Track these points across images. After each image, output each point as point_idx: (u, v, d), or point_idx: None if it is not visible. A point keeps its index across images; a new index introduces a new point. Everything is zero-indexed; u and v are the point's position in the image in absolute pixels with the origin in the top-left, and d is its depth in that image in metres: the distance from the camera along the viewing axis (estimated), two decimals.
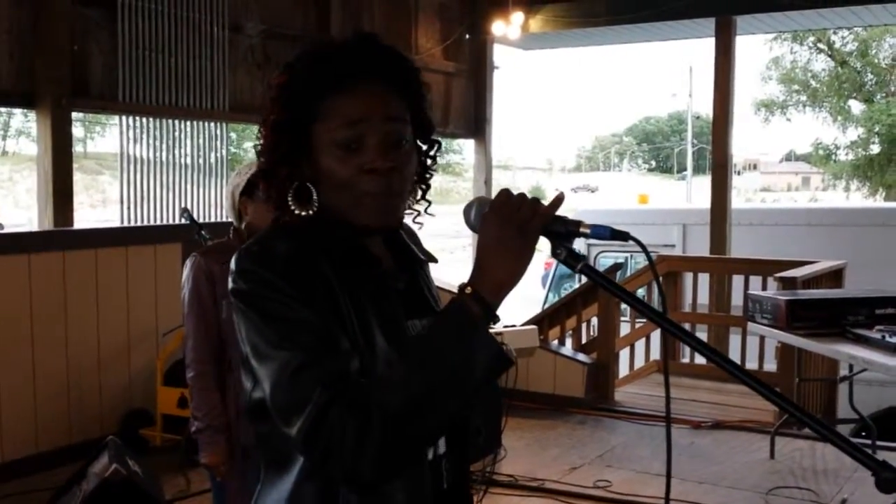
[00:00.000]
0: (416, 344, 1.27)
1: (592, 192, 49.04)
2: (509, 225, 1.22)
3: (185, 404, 5.43)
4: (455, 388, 1.21)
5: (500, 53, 9.49)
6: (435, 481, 1.37)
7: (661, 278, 7.24)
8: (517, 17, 8.47)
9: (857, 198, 27.02)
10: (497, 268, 1.23)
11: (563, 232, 1.28)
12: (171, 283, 5.93)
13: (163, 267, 5.89)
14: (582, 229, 1.28)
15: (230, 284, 1.31)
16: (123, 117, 6.07)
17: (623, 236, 1.27)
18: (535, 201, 1.26)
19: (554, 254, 1.29)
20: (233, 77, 6.68)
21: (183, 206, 5.51)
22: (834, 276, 6.50)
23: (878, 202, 22.95)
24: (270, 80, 1.38)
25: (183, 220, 4.74)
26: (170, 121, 6.32)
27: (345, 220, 1.35)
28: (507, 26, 8.51)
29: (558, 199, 1.28)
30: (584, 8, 8.54)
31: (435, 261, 1.54)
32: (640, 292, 7.91)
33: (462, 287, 1.24)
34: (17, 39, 5.41)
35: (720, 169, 8.18)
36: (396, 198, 1.36)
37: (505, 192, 1.28)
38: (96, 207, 31.20)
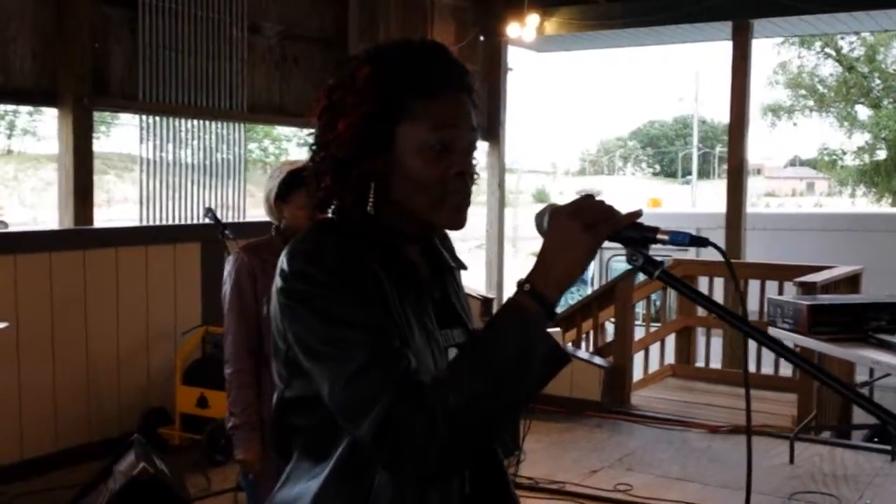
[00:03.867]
0: (474, 341, 1.28)
1: (597, 196, 48.72)
2: (576, 223, 1.24)
3: (204, 404, 5.45)
4: (514, 383, 1.21)
5: (513, 55, 9.50)
6: (458, 487, 1.39)
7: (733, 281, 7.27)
8: (532, 19, 8.47)
9: (862, 203, 26.98)
10: (557, 265, 1.24)
11: (639, 238, 1.28)
12: (190, 282, 5.95)
13: (182, 266, 5.90)
14: (659, 235, 1.28)
15: (279, 283, 1.31)
16: (143, 117, 6.08)
17: (702, 242, 1.27)
18: (611, 208, 1.27)
19: (630, 260, 1.29)
20: (251, 77, 6.69)
21: (207, 205, 5.52)
22: (851, 282, 6.50)
23: (891, 208, 22.91)
24: (348, 70, 1.37)
25: (207, 220, 4.75)
26: (188, 120, 6.33)
27: (415, 218, 1.36)
28: (521, 28, 8.51)
29: (636, 213, 1.28)
30: (601, 10, 8.54)
31: (465, 268, 1.55)
32: (654, 297, 7.92)
33: (521, 283, 1.26)
34: (40, 38, 5.42)
35: (735, 173, 8.19)
36: (469, 202, 1.39)
37: (586, 196, 1.29)
38: (101, 207, 31.22)
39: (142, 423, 5.52)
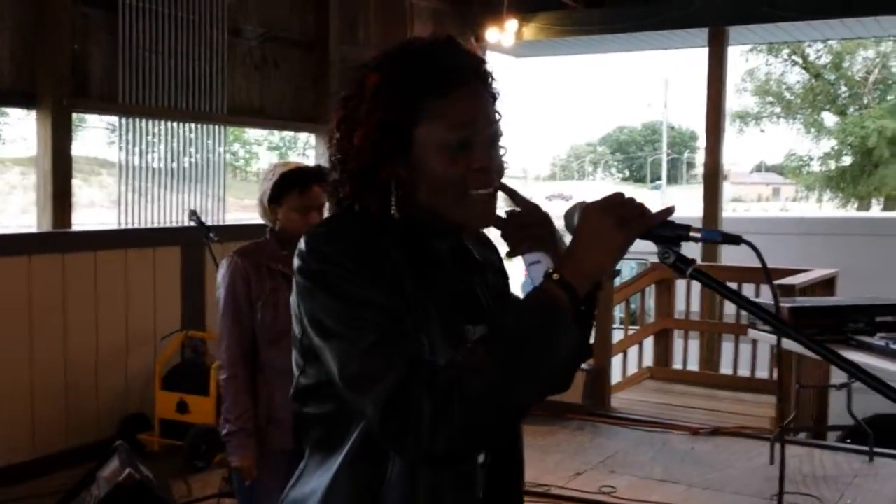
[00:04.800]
0: (498, 328, 1.26)
1: (567, 200, 49.24)
2: (610, 218, 1.24)
3: (184, 409, 5.40)
4: (535, 373, 1.21)
5: (490, 61, 9.50)
6: (473, 488, 1.37)
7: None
8: (511, 24, 8.49)
9: (828, 208, 27.38)
10: (588, 256, 1.24)
11: (671, 236, 1.29)
12: (169, 286, 5.90)
13: (162, 270, 5.85)
14: (692, 234, 1.28)
15: (297, 263, 1.31)
16: (123, 119, 6.01)
17: (735, 240, 1.28)
18: (643, 205, 1.27)
19: (662, 258, 1.29)
20: (231, 80, 6.65)
21: (191, 208, 5.47)
22: (827, 285, 6.60)
23: (872, 212, 23.24)
24: (358, 79, 1.36)
25: (191, 223, 4.72)
26: (168, 122, 6.27)
27: (441, 219, 1.35)
28: (500, 33, 8.54)
29: (668, 210, 1.29)
30: (579, 16, 8.59)
31: (500, 271, 1.54)
32: (632, 300, 7.97)
33: (549, 273, 1.25)
34: (19, 39, 5.34)
35: (711, 178, 8.27)
36: (496, 197, 1.39)
37: (617, 193, 1.29)
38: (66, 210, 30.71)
39: (120, 428, 5.45)
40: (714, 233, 1.29)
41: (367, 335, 1.22)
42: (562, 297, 1.22)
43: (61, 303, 5.28)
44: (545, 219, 1.46)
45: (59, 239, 5.42)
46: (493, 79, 1.39)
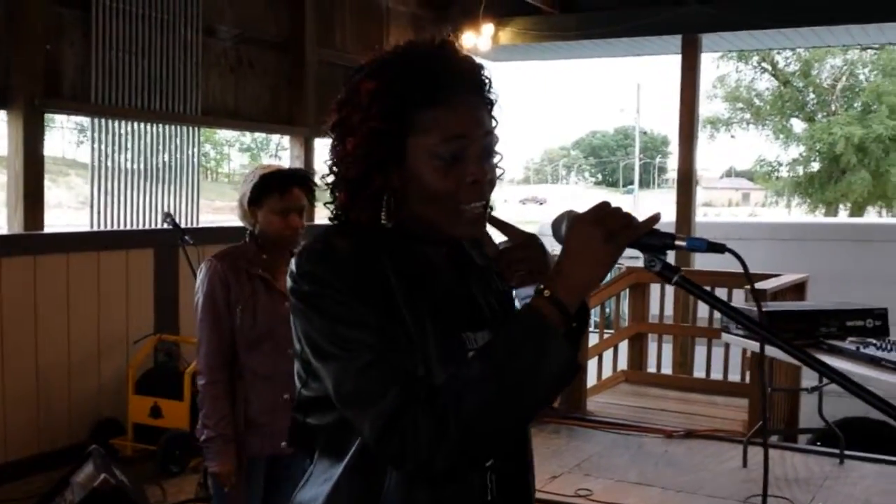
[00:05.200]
0: (490, 346, 1.26)
1: (541, 203, 49.45)
2: (598, 230, 1.24)
3: (157, 413, 5.36)
4: (527, 390, 1.21)
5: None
6: (479, 492, 1.37)
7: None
8: (488, 28, 8.53)
9: (797, 214, 27.70)
10: (577, 272, 1.24)
11: (658, 245, 1.30)
12: (142, 289, 5.84)
13: (135, 273, 5.80)
14: (677, 242, 1.30)
15: (289, 283, 1.32)
16: (96, 120, 5.95)
17: (720, 248, 1.29)
18: (629, 215, 1.28)
19: (648, 266, 1.30)
20: (205, 81, 6.61)
21: (166, 210, 5.42)
22: (798, 289, 6.66)
23: (841, 218, 23.52)
24: (353, 84, 1.35)
25: (166, 225, 4.69)
26: (141, 123, 6.22)
27: (433, 229, 1.35)
28: (477, 37, 8.56)
29: (654, 218, 1.30)
30: (555, 22, 8.64)
31: (496, 268, 1.52)
32: (607, 304, 8.01)
33: (539, 290, 1.25)
34: None
35: (685, 182, 8.35)
36: (487, 208, 1.39)
37: (604, 203, 1.29)
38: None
39: (93, 433, 5.40)
40: (700, 241, 1.30)
41: (362, 356, 1.23)
42: (552, 313, 1.22)
43: (32, 305, 5.22)
44: (539, 250, 1.47)
45: (30, 241, 5.36)
46: (489, 85, 1.38)
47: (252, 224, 2.89)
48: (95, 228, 5.94)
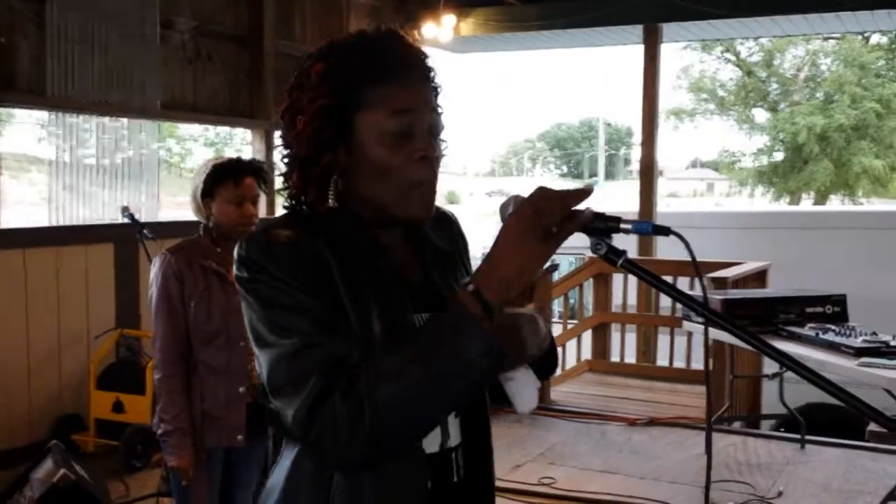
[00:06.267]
0: (412, 338, 1.26)
1: (506, 196, 49.31)
2: (531, 227, 1.21)
3: (119, 408, 5.30)
4: (446, 384, 1.21)
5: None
6: (442, 473, 1.37)
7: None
8: (448, 19, 8.51)
9: (763, 203, 28.00)
10: (505, 266, 1.22)
11: (602, 228, 1.30)
12: (103, 284, 5.77)
13: (94, 267, 5.72)
14: (622, 225, 1.29)
15: (234, 271, 1.33)
16: (52, 115, 5.86)
17: (664, 231, 1.30)
18: (569, 202, 1.23)
19: (594, 249, 1.30)
20: (164, 74, 6.53)
21: (123, 204, 5.35)
22: (759, 277, 6.74)
23: (802, 206, 23.78)
24: (303, 69, 1.37)
25: (124, 219, 4.63)
26: (99, 117, 6.13)
27: (382, 211, 1.35)
28: (437, 28, 8.55)
29: (586, 191, 1.25)
30: (516, 12, 8.65)
31: (459, 252, 1.53)
32: (571, 295, 8.05)
33: (465, 283, 1.25)
34: None
35: (647, 172, 8.40)
36: (436, 187, 1.39)
37: (541, 190, 1.26)
38: None
39: (54, 430, 5.33)
40: (645, 224, 1.30)
41: (292, 343, 1.24)
42: (472, 306, 1.21)
43: None
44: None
45: None
46: (435, 73, 1.40)
47: (206, 217, 2.87)
48: (54, 224, 5.86)
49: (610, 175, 44.97)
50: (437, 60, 1.44)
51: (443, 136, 1.40)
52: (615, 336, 7.75)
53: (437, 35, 8.65)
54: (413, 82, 1.35)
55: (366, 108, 1.32)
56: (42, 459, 3.84)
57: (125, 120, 6.28)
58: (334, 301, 1.28)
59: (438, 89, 1.40)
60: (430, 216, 1.39)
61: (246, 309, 1.31)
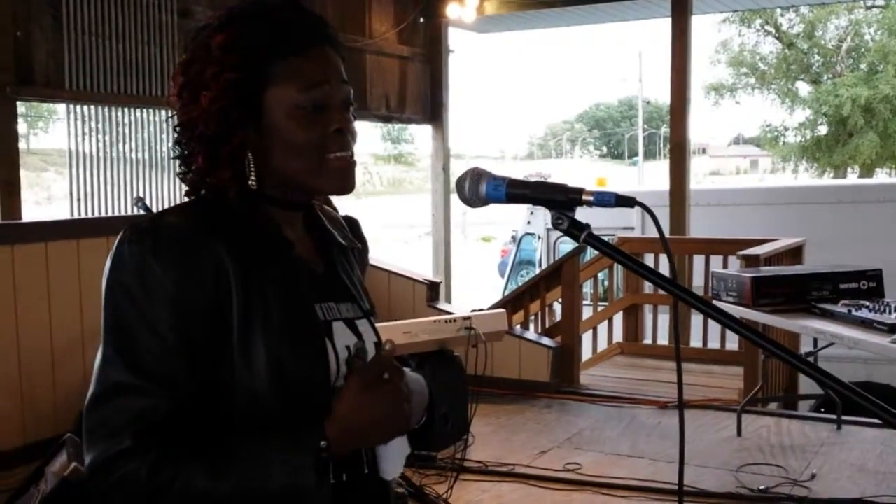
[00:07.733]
0: (239, 443, 1.19)
1: (546, 179, 49.09)
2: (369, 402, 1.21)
3: None
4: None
5: (454, 37, 9.38)
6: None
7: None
8: None
9: (805, 179, 27.45)
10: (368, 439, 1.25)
11: (563, 200, 1.22)
12: None
13: None
14: (584, 196, 1.22)
15: (107, 260, 1.26)
16: (71, 106, 5.87)
17: (629, 202, 1.21)
18: (404, 402, 1.23)
19: (555, 224, 1.24)
20: None
21: (137, 194, 5.34)
22: (793, 254, 6.55)
23: (831, 180, 23.30)
24: (200, 41, 1.29)
25: (137, 210, 4.61)
26: (118, 109, 6.12)
27: (300, 187, 1.30)
28: (461, 8, 8.42)
29: (389, 352, 1.23)
30: None
31: (357, 246, 1.48)
32: (601, 276, 7.92)
33: (319, 444, 1.17)
34: None
35: (678, 150, 8.19)
36: (354, 162, 1.32)
37: (376, 367, 1.23)
38: (41, 204, 30.53)
39: (78, 423, 5.34)
40: (608, 195, 1.22)
41: (117, 377, 1.16)
42: (313, 441, 1.17)
43: (12, 296, 5.14)
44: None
45: (7, 230, 5.28)
46: (339, 41, 1.34)
47: None
48: (75, 216, 5.87)
49: (650, 154, 44.40)
50: (463, 42, 1.36)
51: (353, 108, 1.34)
52: (647, 318, 7.61)
53: (461, 16, 8.53)
54: (320, 54, 1.29)
55: (275, 82, 1.26)
56: (57, 453, 3.82)
57: (144, 109, 6.26)
58: (209, 318, 1.19)
59: (344, 58, 1.35)
60: (349, 191, 1.32)
61: (102, 308, 1.22)
